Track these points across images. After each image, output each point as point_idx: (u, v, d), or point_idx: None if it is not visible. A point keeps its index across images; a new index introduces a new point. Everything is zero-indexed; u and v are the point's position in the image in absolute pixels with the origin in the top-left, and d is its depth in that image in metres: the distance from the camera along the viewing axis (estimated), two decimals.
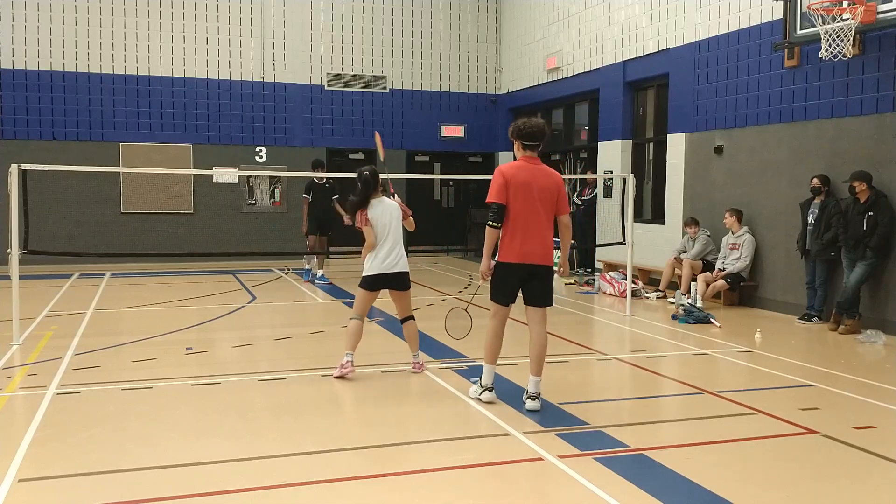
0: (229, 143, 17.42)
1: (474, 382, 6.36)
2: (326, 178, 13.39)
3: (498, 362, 6.21)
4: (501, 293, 6.02)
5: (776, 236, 10.94)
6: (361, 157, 18.49)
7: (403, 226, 7.09)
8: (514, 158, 6.13)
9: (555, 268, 6.11)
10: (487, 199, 5.92)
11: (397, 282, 7.00)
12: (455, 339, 6.92)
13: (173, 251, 15.70)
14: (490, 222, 5.88)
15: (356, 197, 6.93)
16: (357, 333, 6.99)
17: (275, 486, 4.48)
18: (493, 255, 6.02)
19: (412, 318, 7.23)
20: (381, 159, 7.99)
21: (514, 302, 6.09)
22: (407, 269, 7.04)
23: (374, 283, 6.96)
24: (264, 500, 4.33)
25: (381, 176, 7.10)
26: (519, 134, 5.97)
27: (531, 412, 5.84)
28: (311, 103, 18.04)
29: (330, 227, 13.60)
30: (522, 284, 6.00)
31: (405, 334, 7.26)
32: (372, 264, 6.90)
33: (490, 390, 6.14)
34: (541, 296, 6.00)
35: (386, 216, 6.90)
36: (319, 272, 13.80)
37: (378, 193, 6.98)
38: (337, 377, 6.90)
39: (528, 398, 5.95)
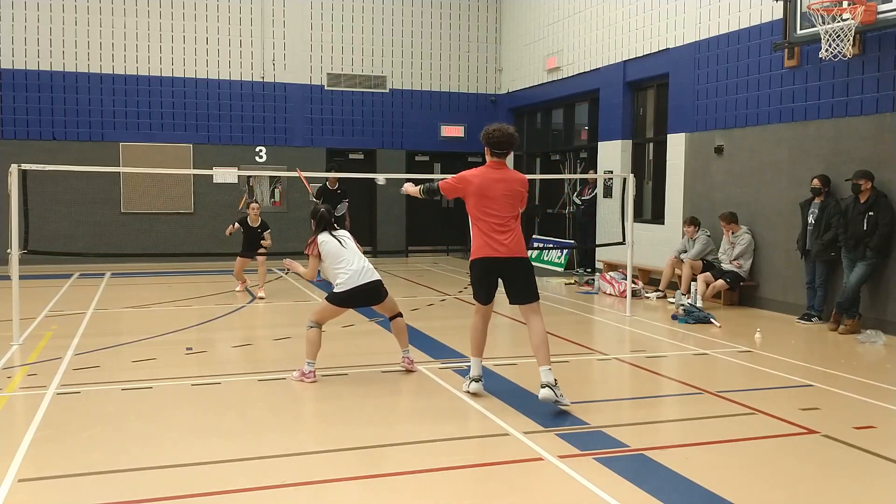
0: (229, 143, 17.42)
1: (466, 378, 6.49)
2: (339, 183, 13.39)
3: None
4: (478, 292, 6.20)
5: (776, 236, 10.94)
6: (361, 157, 18.51)
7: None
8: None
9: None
10: (441, 182, 6.28)
11: (374, 292, 6.94)
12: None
13: (173, 251, 15.69)
14: (423, 193, 6.45)
15: (313, 229, 7.10)
16: (317, 342, 6.85)
17: (275, 486, 4.48)
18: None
19: (400, 315, 7.25)
20: (310, 192, 8.15)
21: (492, 300, 6.22)
22: (380, 278, 6.98)
23: (346, 300, 6.86)
24: (264, 500, 4.33)
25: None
26: (489, 141, 6.11)
27: (545, 401, 5.80)
28: (311, 103, 18.04)
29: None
30: (501, 280, 6.12)
31: (393, 329, 7.27)
32: (346, 281, 6.80)
33: (477, 381, 6.30)
34: (524, 291, 6.08)
35: (341, 239, 7.01)
36: None
37: (333, 229, 7.08)
38: (296, 380, 6.84)
39: (540, 386, 5.85)
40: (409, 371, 7.16)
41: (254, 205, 12.47)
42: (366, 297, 6.97)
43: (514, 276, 6.08)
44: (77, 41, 16.42)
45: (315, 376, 6.84)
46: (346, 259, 6.86)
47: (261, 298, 11.72)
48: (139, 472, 4.69)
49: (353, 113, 18.37)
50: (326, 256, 6.90)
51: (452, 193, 6.22)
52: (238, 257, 12.33)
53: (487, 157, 6.17)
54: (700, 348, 8.46)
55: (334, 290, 6.88)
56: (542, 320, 6.07)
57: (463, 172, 6.22)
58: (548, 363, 5.90)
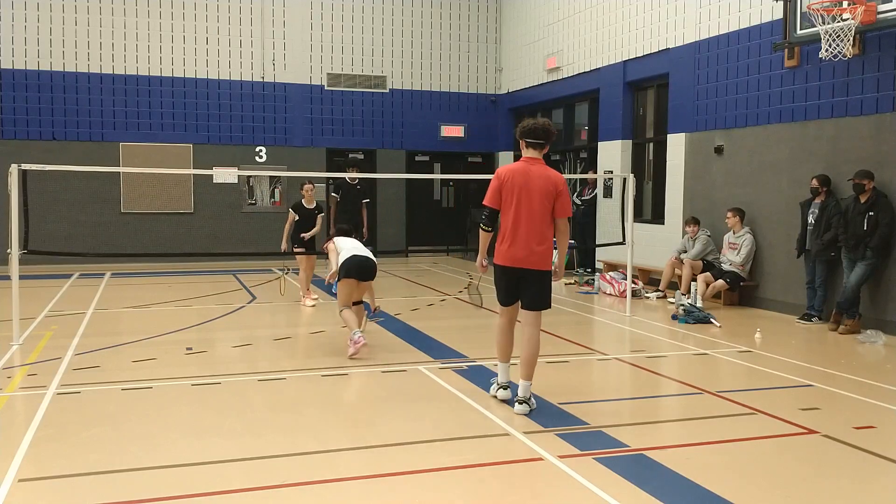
0: (229, 143, 17.42)
1: (493, 382, 6.36)
2: (359, 178, 12.51)
3: (497, 362, 6.22)
4: (499, 293, 6.16)
5: (776, 236, 10.94)
6: (361, 156, 18.49)
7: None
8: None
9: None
10: (483, 202, 6.13)
11: (366, 268, 7.92)
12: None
13: (173, 251, 15.68)
14: (482, 225, 6.10)
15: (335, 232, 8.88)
16: (352, 316, 7.79)
17: (275, 486, 4.48)
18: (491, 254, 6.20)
19: (362, 303, 8.13)
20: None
21: (513, 303, 6.12)
22: (374, 259, 8.02)
23: (347, 270, 7.88)
24: (264, 500, 4.33)
25: None
26: (522, 132, 6.06)
27: (520, 415, 5.79)
28: (311, 103, 18.04)
29: (356, 229, 10.99)
30: (517, 285, 6.02)
31: (353, 309, 7.99)
32: (344, 255, 7.98)
33: (505, 388, 6.15)
34: (532, 299, 5.99)
35: (349, 242, 8.39)
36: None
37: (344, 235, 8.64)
38: (351, 356, 7.59)
39: (515, 401, 5.92)
40: (357, 347, 7.59)
41: (307, 186, 11.60)
42: (361, 270, 7.87)
43: (532, 284, 5.95)
44: (77, 41, 16.42)
45: (363, 340, 7.65)
46: (344, 249, 8.17)
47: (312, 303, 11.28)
48: (139, 472, 4.69)
49: (353, 113, 18.37)
50: (338, 250, 8.21)
51: (489, 199, 5.99)
52: (300, 257, 11.41)
53: (523, 152, 6.05)
54: (700, 348, 8.46)
55: (339, 270, 7.95)
56: (538, 333, 6.01)
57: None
58: (529, 379, 5.92)
